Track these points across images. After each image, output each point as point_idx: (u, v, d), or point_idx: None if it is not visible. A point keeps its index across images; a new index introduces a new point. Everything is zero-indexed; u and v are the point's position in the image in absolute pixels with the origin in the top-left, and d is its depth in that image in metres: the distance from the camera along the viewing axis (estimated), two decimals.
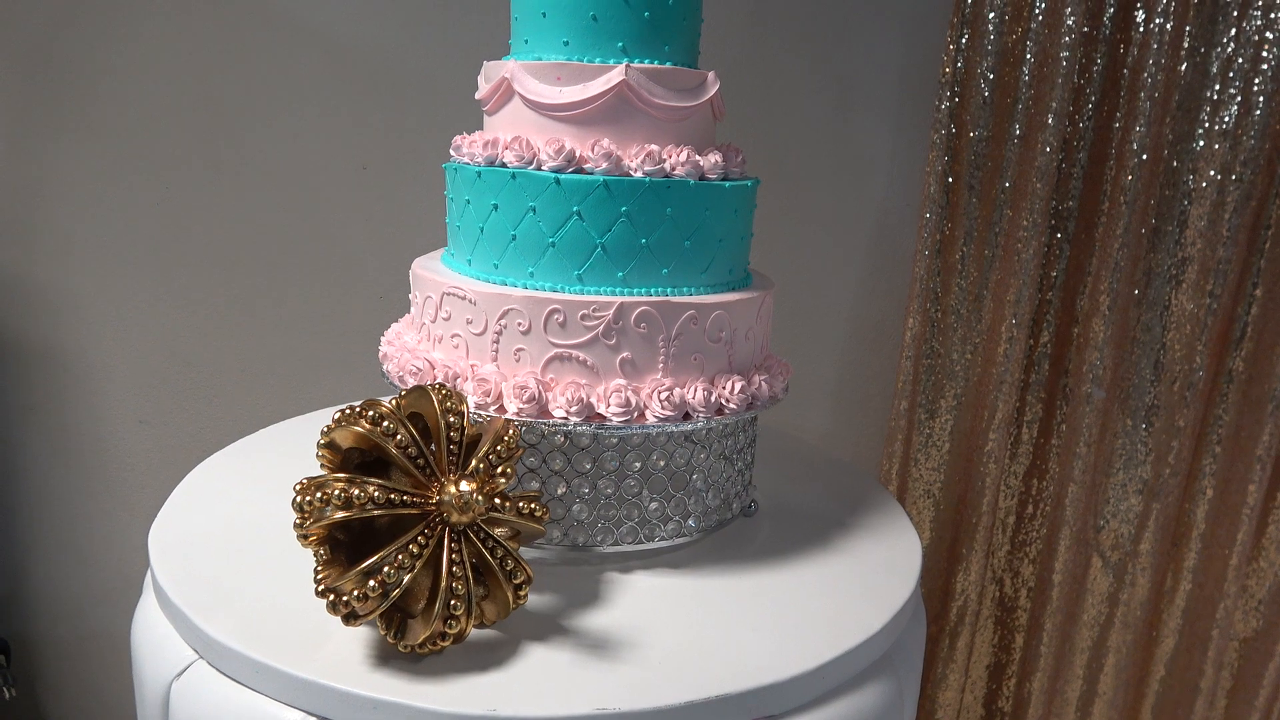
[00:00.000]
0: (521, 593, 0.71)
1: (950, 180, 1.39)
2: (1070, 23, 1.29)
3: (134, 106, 1.42)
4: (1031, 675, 1.53)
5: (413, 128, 1.45)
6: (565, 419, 0.78)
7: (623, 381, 0.79)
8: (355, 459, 0.71)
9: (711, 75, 0.85)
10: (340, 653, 0.69)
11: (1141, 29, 1.31)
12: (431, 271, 0.87)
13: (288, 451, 1.04)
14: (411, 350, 0.86)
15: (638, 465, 0.83)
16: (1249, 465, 1.41)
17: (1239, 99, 1.30)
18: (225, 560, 0.81)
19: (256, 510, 0.89)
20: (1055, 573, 1.48)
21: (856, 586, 0.84)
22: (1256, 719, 1.52)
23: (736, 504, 0.93)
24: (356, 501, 0.65)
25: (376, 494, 0.65)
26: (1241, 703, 1.53)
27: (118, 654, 1.73)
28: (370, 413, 0.68)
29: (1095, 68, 1.34)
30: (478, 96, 0.88)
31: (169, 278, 1.51)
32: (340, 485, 0.65)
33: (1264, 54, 1.28)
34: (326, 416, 1.12)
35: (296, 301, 1.53)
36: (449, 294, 0.82)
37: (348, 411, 0.69)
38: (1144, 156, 1.32)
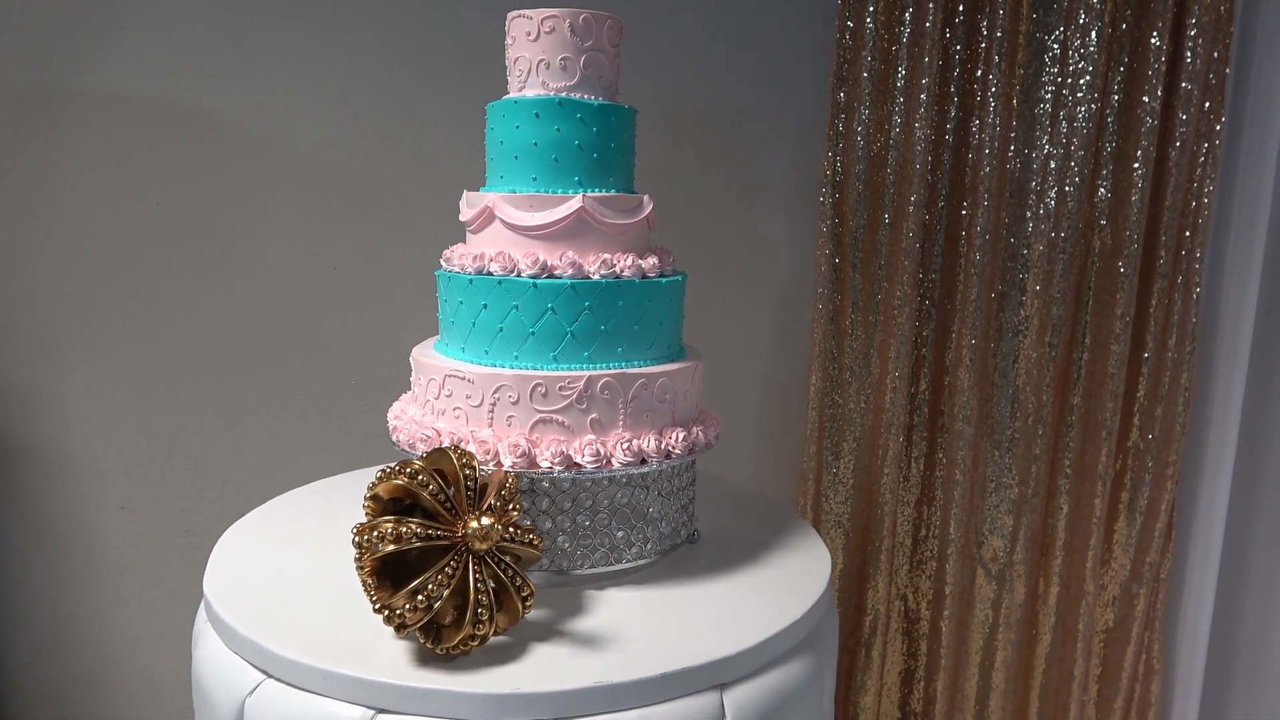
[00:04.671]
0: (528, 603, 0.91)
1: (837, 261, 1.68)
2: (920, 134, 1.61)
3: (120, 213, 1.60)
4: (936, 677, 1.78)
5: (376, 234, 1.67)
6: (550, 468, 0.99)
7: (593, 436, 1.01)
8: (390, 507, 0.91)
9: (646, 198, 1.11)
10: (386, 660, 0.88)
11: (977, 136, 1.64)
12: (432, 358, 1.08)
13: (299, 516, 1.22)
14: (418, 422, 1.07)
15: (606, 502, 1.05)
16: (1093, 483, 1.71)
17: (1056, 188, 1.63)
18: (268, 601, 0.99)
19: (285, 563, 1.07)
20: (947, 585, 1.75)
21: (782, 588, 1.07)
22: (1121, 700, 1.80)
23: (683, 532, 1.16)
24: (404, 537, 0.85)
25: (418, 530, 0.86)
26: (1109, 686, 1.81)
27: None
28: (407, 469, 0.89)
29: (944, 167, 1.66)
30: (462, 219, 1.11)
31: (151, 371, 1.65)
32: (390, 525, 0.86)
33: (1073, 151, 1.62)
34: (331, 487, 1.32)
35: (270, 389, 1.70)
36: (450, 375, 1.04)
37: (388, 470, 0.90)
38: (987, 237, 1.64)
